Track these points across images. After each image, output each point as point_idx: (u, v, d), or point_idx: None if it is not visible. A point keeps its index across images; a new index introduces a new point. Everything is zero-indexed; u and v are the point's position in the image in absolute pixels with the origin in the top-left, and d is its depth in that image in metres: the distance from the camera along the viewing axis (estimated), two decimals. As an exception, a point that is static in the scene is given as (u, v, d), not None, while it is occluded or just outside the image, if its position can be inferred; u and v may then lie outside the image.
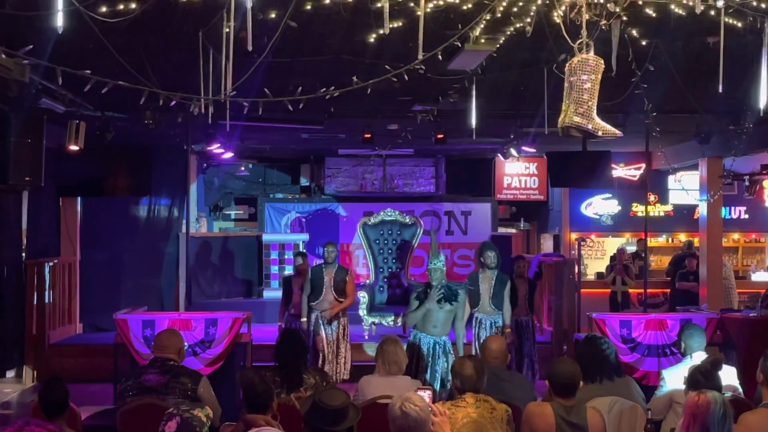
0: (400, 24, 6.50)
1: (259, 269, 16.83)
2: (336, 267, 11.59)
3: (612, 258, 18.89)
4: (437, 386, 9.11)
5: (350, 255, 18.45)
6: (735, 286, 16.19)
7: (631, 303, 15.92)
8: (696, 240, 16.47)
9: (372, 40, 6.85)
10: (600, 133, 5.88)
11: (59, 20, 5.29)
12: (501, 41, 7.17)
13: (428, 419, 4.58)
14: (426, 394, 5.00)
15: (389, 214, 15.10)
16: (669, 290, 16.61)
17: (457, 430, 5.24)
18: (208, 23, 6.71)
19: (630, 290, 16.10)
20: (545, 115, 8.49)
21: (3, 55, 6.04)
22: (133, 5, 5.98)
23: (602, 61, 5.93)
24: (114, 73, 6.26)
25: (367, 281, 15.14)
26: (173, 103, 6.18)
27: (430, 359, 9.25)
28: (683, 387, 6.22)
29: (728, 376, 6.73)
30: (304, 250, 15.65)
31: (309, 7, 6.26)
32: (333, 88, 5.86)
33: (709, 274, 14.62)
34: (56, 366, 12.17)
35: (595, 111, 5.87)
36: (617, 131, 5.98)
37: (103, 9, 5.89)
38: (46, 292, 13.01)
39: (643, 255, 15.00)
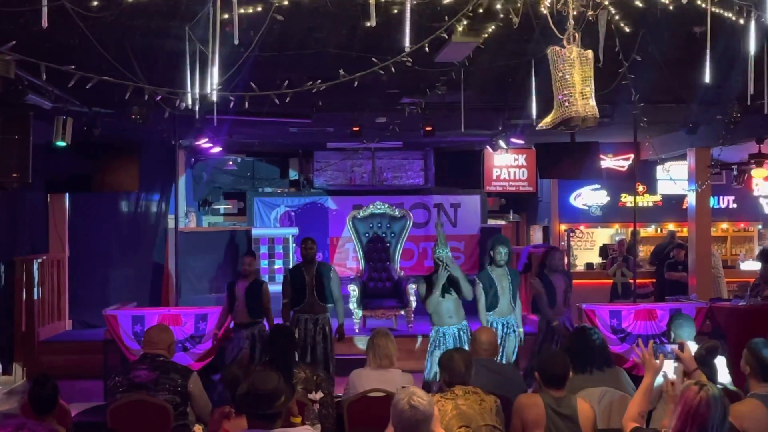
0: (386, 16, 6.48)
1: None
2: (316, 265, 10.76)
3: (601, 248, 18.96)
4: None
5: (340, 248, 18.44)
6: (724, 276, 16.22)
7: (630, 293, 15.93)
8: (685, 230, 16.48)
9: (358, 32, 6.84)
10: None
11: (44, 15, 5.26)
12: (488, 33, 7.15)
13: (434, 413, 4.60)
14: None
15: (378, 207, 15.14)
16: (654, 280, 16.67)
17: (446, 422, 5.25)
18: (194, 18, 6.69)
19: (630, 281, 16.13)
20: (533, 106, 8.48)
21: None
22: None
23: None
24: (100, 68, 6.23)
25: (357, 274, 15.15)
26: (158, 98, 6.17)
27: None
28: (674, 377, 6.23)
29: (718, 366, 6.75)
30: (253, 249, 15.60)
31: None
32: (319, 81, 5.85)
33: (698, 264, 14.64)
34: (46, 363, 12.15)
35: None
36: None
37: (88, 3, 5.87)
38: (35, 289, 12.96)
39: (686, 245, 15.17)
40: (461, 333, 9.49)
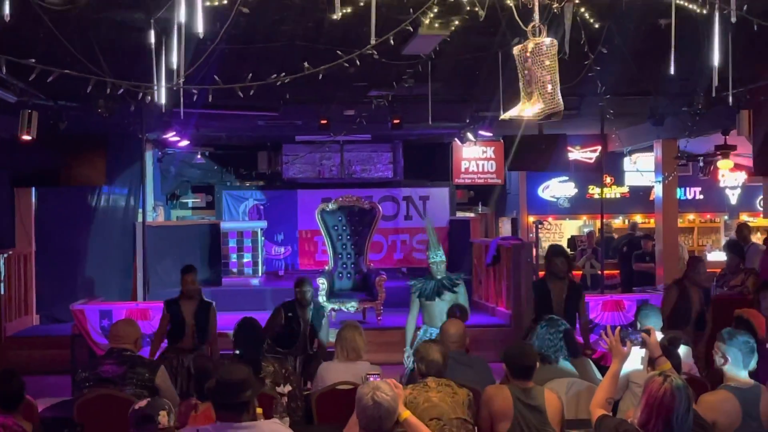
0: (352, 9, 6.47)
1: (218, 257, 16.75)
2: (198, 301, 9.31)
3: (570, 240, 19.05)
4: None
5: (309, 242, 18.45)
6: (691, 266, 16.32)
7: (600, 285, 16.01)
8: (652, 221, 16.60)
9: (325, 25, 6.83)
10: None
11: (6, 8, 5.21)
12: (454, 26, 7.16)
13: (398, 407, 4.62)
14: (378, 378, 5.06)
15: (347, 200, 15.12)
16: (618, 271, 16.80)
17: (417, 413, 5.25)
18: (159, 10, 6.65)
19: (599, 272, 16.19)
20: (500, 99, 8.49)
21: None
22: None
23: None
24: (65, 62, 6.19)
25: (326, 268, 15.14)
26: (120, 91, 6.13)
27: None
28: (640, 367, 6.29)
29: (683, 355, 6.80)
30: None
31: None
32: (284, 74, 5.83)
33: (665, 255, 14.75)
34: (13, 358, 12.05)
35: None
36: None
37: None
38: (1, 284, 12.88)
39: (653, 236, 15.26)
40: None
